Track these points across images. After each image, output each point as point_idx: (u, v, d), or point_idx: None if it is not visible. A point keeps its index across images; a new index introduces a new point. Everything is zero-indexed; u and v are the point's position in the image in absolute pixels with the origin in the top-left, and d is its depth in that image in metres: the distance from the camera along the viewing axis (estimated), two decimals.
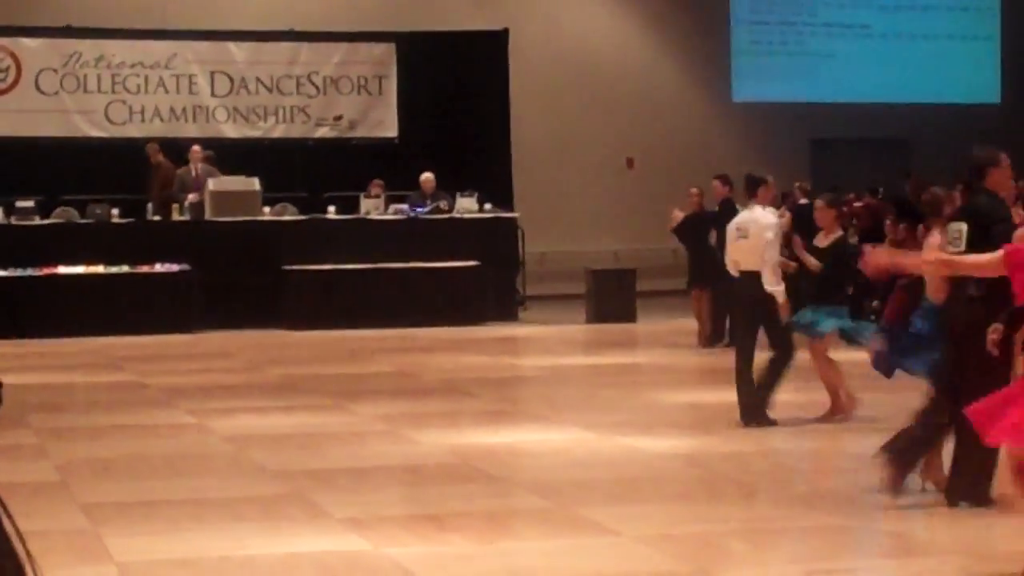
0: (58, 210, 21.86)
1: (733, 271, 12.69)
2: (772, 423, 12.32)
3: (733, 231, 12.64)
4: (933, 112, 29.59)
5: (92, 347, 19.31)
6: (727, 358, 17.69)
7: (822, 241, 12.76)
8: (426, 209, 22.70)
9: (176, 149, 23.01)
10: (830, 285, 12.76)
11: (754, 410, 12.34)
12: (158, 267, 21.23)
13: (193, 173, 22.52)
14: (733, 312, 13.17)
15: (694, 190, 19.74)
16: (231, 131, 25.08)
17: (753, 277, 12.37)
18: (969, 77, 30.41)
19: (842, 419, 12.50)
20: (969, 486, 8.72)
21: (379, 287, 21.70)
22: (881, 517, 8.84)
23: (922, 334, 9.40)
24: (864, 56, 29.79)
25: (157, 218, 21.85)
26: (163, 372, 16.64)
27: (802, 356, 12.69)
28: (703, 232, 19.64)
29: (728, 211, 18.93)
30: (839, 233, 12.90)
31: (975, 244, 8.42)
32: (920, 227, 10.26)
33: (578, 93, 28.31)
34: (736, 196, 18.94)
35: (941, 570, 7.58)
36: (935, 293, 9.28)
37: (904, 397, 13.32)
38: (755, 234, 12.38)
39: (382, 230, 22.35)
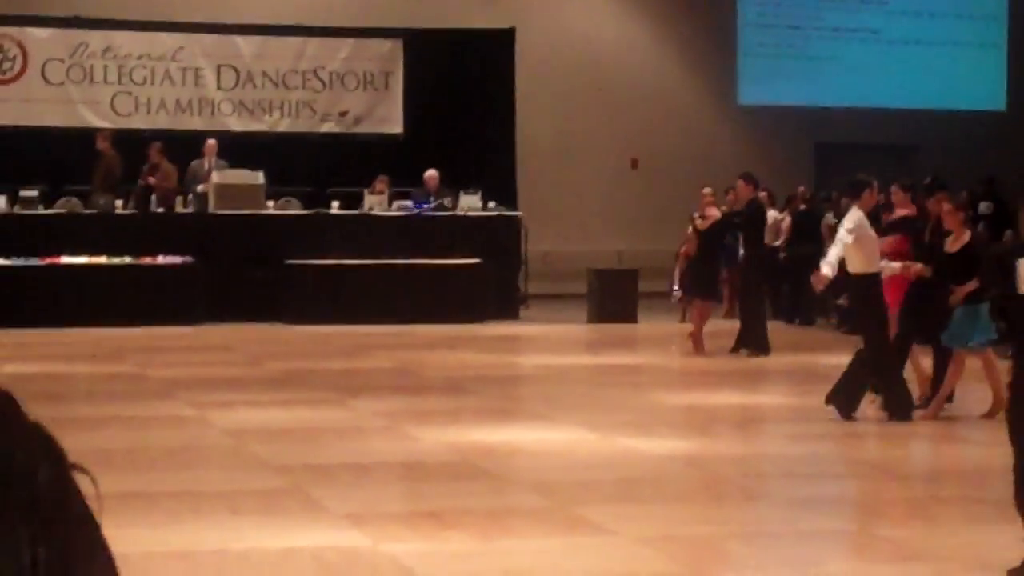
0: (62, 200, 21.82)
1: None
2: (851, 417, 12.49)
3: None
4: (938, 118, 29.58)
5: (94, 338, 19.29)
6: (726, 361, 17.75)
7: (953, 246, 12.66)
8: (430, 206, 22.69)
9: (181, 141, 22.99)
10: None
11: (847, 400, 12.54)
12: (161, 259, 21.22)
13: (206, 166, 22.51)
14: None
15: (707, 190, 19.22)
16: (236, 124, 25.06)
17: (852, 278, 12.88)
18: (975, 84, 30.39)
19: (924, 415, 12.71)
20: None
21: (381, 283, 21.67)
22: (880, 523, 8.84)
23: None
24: (870, 61, 29.76)
25: (160, 210, 21.85)
26: (164, 364, 16.63)
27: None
28: (721, 238, 18.98)
29: (756, 213, 18.57)
30: (968, 235, 12.76)
31: None
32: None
33: (583, 93, 28.29)
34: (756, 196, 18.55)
35: None
36: None
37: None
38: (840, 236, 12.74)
39: (385, 226, 22.33)
